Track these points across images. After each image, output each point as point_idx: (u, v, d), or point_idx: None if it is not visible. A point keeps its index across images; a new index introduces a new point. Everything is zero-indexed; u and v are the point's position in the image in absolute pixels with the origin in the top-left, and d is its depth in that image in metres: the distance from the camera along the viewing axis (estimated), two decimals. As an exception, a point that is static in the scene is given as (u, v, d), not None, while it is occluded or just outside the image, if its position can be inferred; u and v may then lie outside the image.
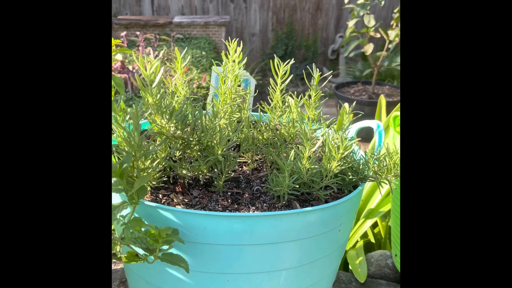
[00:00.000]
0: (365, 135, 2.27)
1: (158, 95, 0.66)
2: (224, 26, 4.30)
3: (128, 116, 0.70)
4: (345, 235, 0.83)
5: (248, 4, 5.02)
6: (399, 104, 1.34)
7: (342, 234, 0.80)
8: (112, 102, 0.69)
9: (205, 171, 0.76)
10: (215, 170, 0.80)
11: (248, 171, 0.85)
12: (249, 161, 0.87)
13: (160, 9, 4.98)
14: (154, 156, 0.71)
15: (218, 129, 0.72)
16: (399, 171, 0.76)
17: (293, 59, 0.84)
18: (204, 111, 0.80)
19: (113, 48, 0.68)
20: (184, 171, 0.74)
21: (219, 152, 0.72)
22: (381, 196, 1.38)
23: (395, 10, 3.08)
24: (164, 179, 0.78)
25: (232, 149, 0.91)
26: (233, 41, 0.82)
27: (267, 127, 0.85)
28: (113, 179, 0.63)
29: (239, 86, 0.85)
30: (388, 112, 2.14)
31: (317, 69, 0.79)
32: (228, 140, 0.75)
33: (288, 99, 0.86)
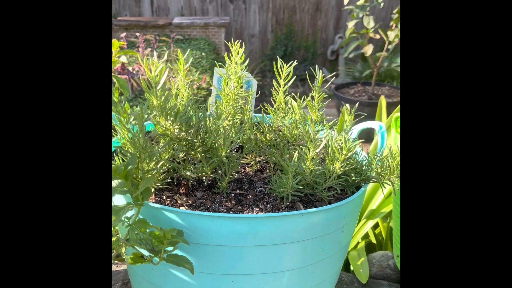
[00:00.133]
0: (366, 136, 2.27)
1: (163, 97, 0.66)
2: (224, 27, 4.31)
3: (132, 118, 0.70)
4: (348, 236, 0.83)
5: (248, 5, 5.02)
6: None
7: (345, 235, 0.80)
8: (117, 104, 0.69)
9: (209, 172, 0.76)
10: (219, 171, 0.80)
11: (251, 172, 0.86)
12: (252, 163, 0.87)
13: (160, 10, 4.98)
14: (158, 157, 0.72)
15: (222, 131, 0.72)
16: (402, 172, 0.76)
17: (296, 60, 0.84)
18: (207, 113, 0.81)
19: (117, 50, 0.69)
20: (188, 173, 0.75)
21: (223, 153, 0.73)
22: (383, 197, 1.38)
23: (394, 11, 3.08)
24: (168, 180, 0.78)
25: (235, 150, 0.91)
26: (236, 43, 0.82)
27: (270, 129, 0.85)
28: (118, 181, 0.63)
29: (241, 87, 0.85)
30: (389, 113, 2.14)
31: (320, 70, 0.79)
32: (232, 142, 0.75)
33: (290, 101, 0.87)
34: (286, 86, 0.83)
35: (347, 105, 0.82)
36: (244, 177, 0.84)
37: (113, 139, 0.91)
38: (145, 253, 0.67)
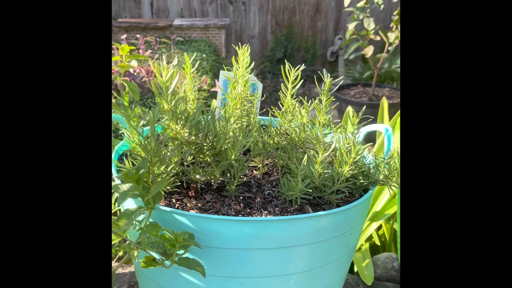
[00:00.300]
0: (366, 137, 2.27)
1: (173, 102, 0.67)
2: (224, 28, 4.31)
3: (142, 122, 0.71)
4: (355, 239, 0.83)
5: (248, 7, 5.03)
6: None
7: (353, 237, 0.81)
8: (127, 108, 0.69)
9: (218, 175, 0.77)
10: (228, 174, 0.80)
11: (258, 175, 0.86)
12: (259, 166, 0.87)
13: (160, 12, 4.98)
14: (168, 161, 0.72)
15: (231, 134, 0.73)
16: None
17: (303, 64, 0.85)
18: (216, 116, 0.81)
19: (127, 54, 0.69)
20: (197, 176, 0.75)
21: (233, 156, 0.73)
22: (387, 199, 1.39)
23: (395, 13, 3.09)
24: (178, 183, 0.79)
25: (242, 153, 0.91)
26: (243, 47, 0.83)
27: (278, 132, 0.86)
28: (129, 185, 0.64)
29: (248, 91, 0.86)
30: (390, 114, 2.14)
31: (327, 73, 0.79)
32: (244, 146, 0.75)
33: (297, 105, 0.87)
34: (294, 90, 0.83)
35: (350, 108, 0.82)
36: (252, 180, 0.84)
37: (122, 142, 0.91)
38: (156, 256, 0.68)
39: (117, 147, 0.90)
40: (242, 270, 0.72)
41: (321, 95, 0.78)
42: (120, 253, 1.11)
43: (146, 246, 0.63)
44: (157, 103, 0.68)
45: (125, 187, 0.63)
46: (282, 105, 0.87)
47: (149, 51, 3.21)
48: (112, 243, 0.77)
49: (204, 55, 3.65)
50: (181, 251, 0.67)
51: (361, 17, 3.00)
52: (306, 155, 0.73)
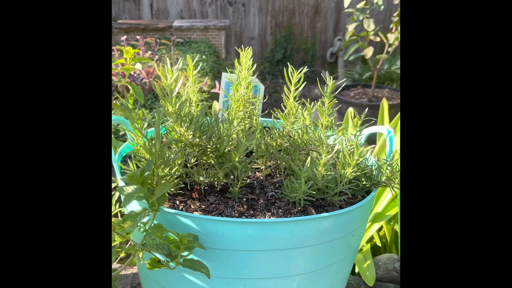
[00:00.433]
0: (367, 139, 2.28)
1: (177, 104, 0.67)
2: (223, 30, 4.32)
3: (146, 124, 0.71)
4: (358, 240, 0.84)
5: (247, 8, 5.04)
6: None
7: (356, 239, 0.81)
8: (131, 110, 0.70)
9: (222, 177, 0.77)
10: (231, 176, 0.81)
11: (261, 177, 0.86)
12: (262, 167, 0.88)
13: (159, 13, 4.99)
14: (172, 163, 0.72)
15: (235, 136, 0.73)
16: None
17: (306, 67, 0.85)
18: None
19: (132, 56, 0.69)
20: (201, 178, 0.75)
21: (237, 158, 0.73)
22: (388, 200, 1.39)
23: (395, 14, 3.10)
24: (181, 185, 0.79)
25: (245, 155, 0.92)
26: (246, 49, 0.83)
27: (281, 134, 0.86)
28: (134, 187, 0.64)
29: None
30: (390, 115, 2.15)
31: (329, 74, 0.80)
32: (246, 148, 0.76)
33: (300, 107, 0.88)
34: (297, 92, 0.84)
35: (350, 109, 0.83)
36: (255, 182, 0.85)
37: (125, 144, 0.92)
38: (161, 257, 0.68)
39: (121, 149, 0.90)
40: (245, 271, 0.73)
41: (324, 97, 0.79)
42: (122, 255, 1.11)
43: (151, 247, 0.63)
44: (161, 105, 0.68)
45: (130, 189, 0.64)
46: (285, 107, 0.88)
47: (149, 52, 3.22)
48: (115, 244, 0.78)
49: (204, 56, 3.66)
50: (185, 253, 0.67)
51: (361, 18, 3.01)
52: (309, 157, 0.73)
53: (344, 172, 0.75)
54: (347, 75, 4.72)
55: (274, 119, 0.91)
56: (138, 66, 0.68)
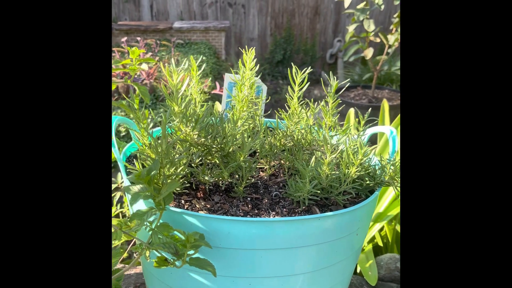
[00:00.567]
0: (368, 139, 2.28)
1: (183, 104, 0.68)
2: (224, 31, 4.33)
3: (151, 124, 0.72)
4: (361, 239, 0.84)
5: (247, 9, 5.05)
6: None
7: (359, 238, 0.82)
8: (137, 110, 0.70)
9: (227, 177, 0.78)
10: (236, 176, 0.81)
11: (265, 177, 0.87)
12: (266, 167, 0.88)
13: (159, 14, 4.99)
14: (177, 163, 0.73)
15: (240, 136, 0.74)
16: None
17: (310, 67, 0.86)
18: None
19: (138, 57, 0.70)
20: (206, 177, 0.76)
21: (242, 158, 0.74)
22: (389, 200, 1.40)
23: (395, 15, 3.11)
24: (187, 185, 0.80)
25: (249, 155, 0.92)
26: (250, 49, 0.84)
27: (285, 134, 0.87)
28: (141, 186, 0.65)
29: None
30: (390, 116, 2.16)
31: (327, 75, 0.81)
32: (251, 148, 0.76)
33: (303, 107, 0.88)
34: (301, 92, 0.84)
35: (352, 110, 0.83)
36: (259, 182, 0.85)
37: (130, 144, 0.92)
38: (167, 256, 0.69)
39: (125, 149, 0.91)
40: (250, 270, 0.73)
41: (328, 97, 0.79)
42: (125, 255, 1.11)
43: (157, 246, 0.64)
44: (161, 106, 0.69)
45: (137, 188, 0.64)
46: (289, 107, 0.88)
47: (150, 53, 3.22)
48: (117, 245, 0.78)
49: (204, 58, 3.66)
50: (191, 251, 0.68)
51: (361, 18, 3.02)
52: (313, 157, 0.74)
53: (348, 171, 0.76)
54: (346, 76, 4.73)
55: (275, 120, 0.92)
56: (144, 66, 0.69)
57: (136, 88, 0.67)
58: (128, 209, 1.29)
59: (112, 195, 1.31)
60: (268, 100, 0.94)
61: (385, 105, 1.95)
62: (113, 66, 0.64)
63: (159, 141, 0.66)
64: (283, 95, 4.46)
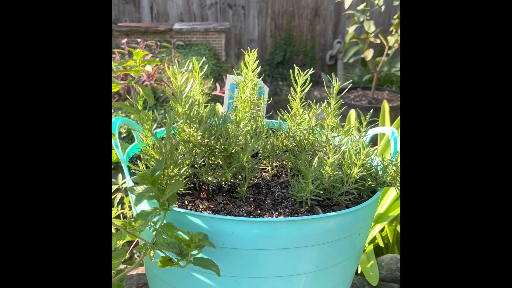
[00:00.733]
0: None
1: (187, 105, 0.68)
2: (224, 32, 4.34)
3: (155, 125, 0.72)
4: (363, 240, 0.85)
5: (247, 11, 5.06)
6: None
7: (361, 238, 0.82)
8: (141, 111, 0.71)
9: (230, 177, 0.78)
10: (239, 176, 0.82)
11: (268, 177, 0.88)
12: (268, 168, 0.89)
13: (159, 16, 5.00)
14: (181, 163, 0.73)
15: (243, 137, 0.74)
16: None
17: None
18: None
19: (141, 59, 0.71)
20: (209, 178, 0.76)
21: (244, 159, 0.75)
22: (390, 201, 1.41)
23: (395, 17, 3.12)
24: (190, 186, 0.80)
25: (251, 156, 0.93)
26: (252, 51, 0.84)
27: (287, 134, 0.87)
28: (145, 186, 0.65)
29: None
30: (391, 117, 2.16)
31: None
32: (254, 149, 0.77)
33: (306, 108, 0.89)
34: (303, 93, 0.85)
35: (352, 111, 0.84)
36: (262, 182, 0.86)
37: (133, 145, 0.93)
38: (172, 256, 0.69)
39: (128, 150, 0.91)
40: (253, 270, 0.74)
41: (330, 98, 0.80)
42: (126, 256, 1.12)
43: (162, 246, 0.64)
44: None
45: (141, 188, 0.65)
46: (291, 108, 0.89)
47: (150, 55, 3.23)
48: (118, 246, 0.78)
49: (204, 59, 3.67)
50: (195, 251, 0.68)
51: (361, 19, 3.03)
52: (316, 157, 0.74)
53: (350, 172, 0.76)
54: (346, 77, 4.74)
55: (277, 121, 0.92)
56: (148, 68, 0.69)
57: (140, 89, 0.68)
58: (129, 210, 1.29)
59: (113, 196, 1.31)
60: (269, 102, 0.94)
61: (386, 106, 1.96)
62: (116, 68, 0.64)
63: (163, 142, 0.67)
64: (283, 96, 4.47)
